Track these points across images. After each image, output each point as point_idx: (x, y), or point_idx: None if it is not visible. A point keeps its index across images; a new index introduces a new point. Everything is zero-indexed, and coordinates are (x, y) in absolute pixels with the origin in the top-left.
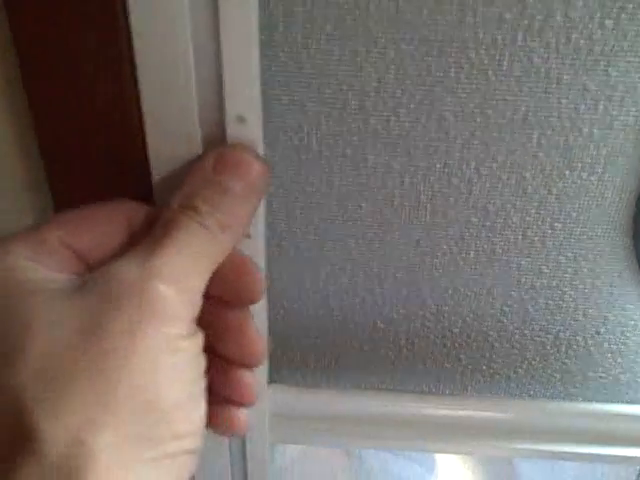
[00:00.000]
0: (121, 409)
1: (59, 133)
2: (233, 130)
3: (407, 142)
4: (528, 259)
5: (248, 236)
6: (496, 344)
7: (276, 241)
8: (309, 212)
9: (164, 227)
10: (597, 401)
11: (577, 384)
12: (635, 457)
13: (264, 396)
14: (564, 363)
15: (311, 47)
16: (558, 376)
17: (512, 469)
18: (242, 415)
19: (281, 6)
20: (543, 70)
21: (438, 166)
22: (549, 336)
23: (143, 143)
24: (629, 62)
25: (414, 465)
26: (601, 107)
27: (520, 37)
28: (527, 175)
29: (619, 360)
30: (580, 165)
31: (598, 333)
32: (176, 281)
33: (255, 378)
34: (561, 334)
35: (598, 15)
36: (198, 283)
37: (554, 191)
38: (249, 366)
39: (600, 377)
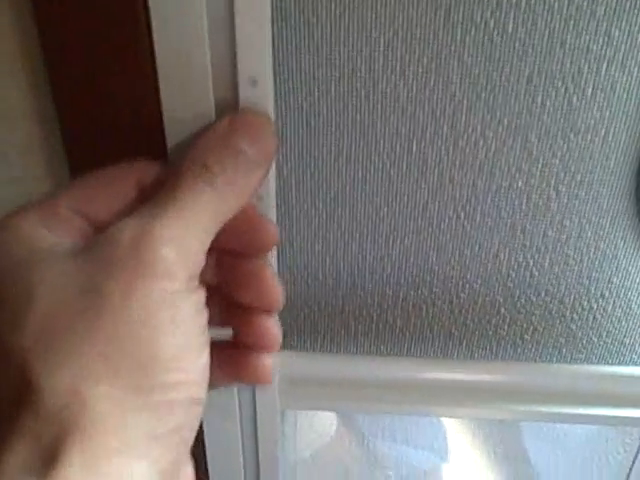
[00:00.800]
0: (118, 361)
1: (75, 98)
2: (245, 93)
3: (414, 106)
4: (533, 222)
5: (259, 199)
6: (502, 309)
7: (285, 207)
8: (318, 177)
9: (170, 188)
10: (602, 364)
11: (582, 347)
12: (639, 418)
13: (274, 362)
14: (569, 327)
15: (321, 12)
16: (563, 340)
17: (524, 452)
18: (267, 362)
19: None
20: (547, 32)
21: (445, 129)
22: (554, 300)
23: (158, 106)
24: (631, 23)
25: (426, 452)
26: (604, 69)
27: (524, 0)
28: (532, 138)
29: (623, 323)
30: (583, 127)
31: (602, 296)
32: (177, 244)
33: (277, 323)
34: (566, 298)
35: None
36: (200, 244)
37: (558, 154)
38: (270, 311)
39: (605, 340)
